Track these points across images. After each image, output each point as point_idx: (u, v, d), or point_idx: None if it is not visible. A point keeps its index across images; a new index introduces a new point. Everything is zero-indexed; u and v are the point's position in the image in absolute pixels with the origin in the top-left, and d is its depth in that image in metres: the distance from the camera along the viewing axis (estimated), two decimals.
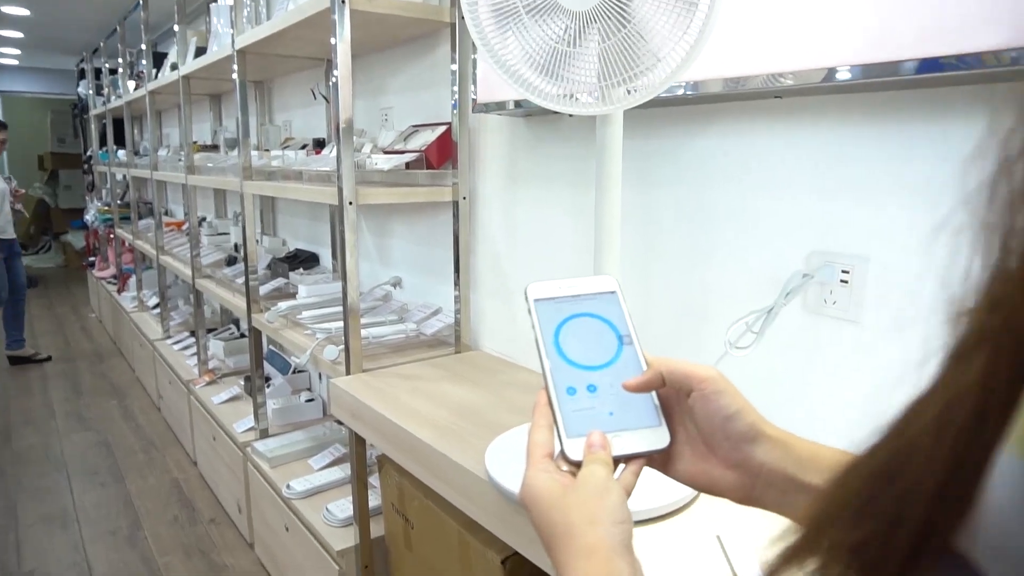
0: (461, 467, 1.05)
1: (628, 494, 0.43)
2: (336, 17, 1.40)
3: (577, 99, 0.92)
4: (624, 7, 0.85)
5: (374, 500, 1.59)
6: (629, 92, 0.91)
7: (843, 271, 0.93)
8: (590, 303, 0.53)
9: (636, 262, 1.23)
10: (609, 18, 0.86)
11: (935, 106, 0.83)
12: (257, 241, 2.30)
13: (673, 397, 0.49)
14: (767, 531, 0.82)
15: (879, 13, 0.80)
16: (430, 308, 1.75)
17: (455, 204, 1.61)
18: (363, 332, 1.55)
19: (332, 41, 1.42)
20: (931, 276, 0.85)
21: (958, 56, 0.73)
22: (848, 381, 0.95)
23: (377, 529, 1.55)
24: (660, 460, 0.49)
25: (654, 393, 0.49)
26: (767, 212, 1.02)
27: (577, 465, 0.46)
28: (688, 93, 1.02)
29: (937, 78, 0.80)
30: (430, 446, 1.12)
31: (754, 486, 0.45)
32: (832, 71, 0.85)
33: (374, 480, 1.70)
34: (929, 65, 0.76)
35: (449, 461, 1.07)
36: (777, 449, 0.44)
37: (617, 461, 0.46)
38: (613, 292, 0.54)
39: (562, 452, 0.46)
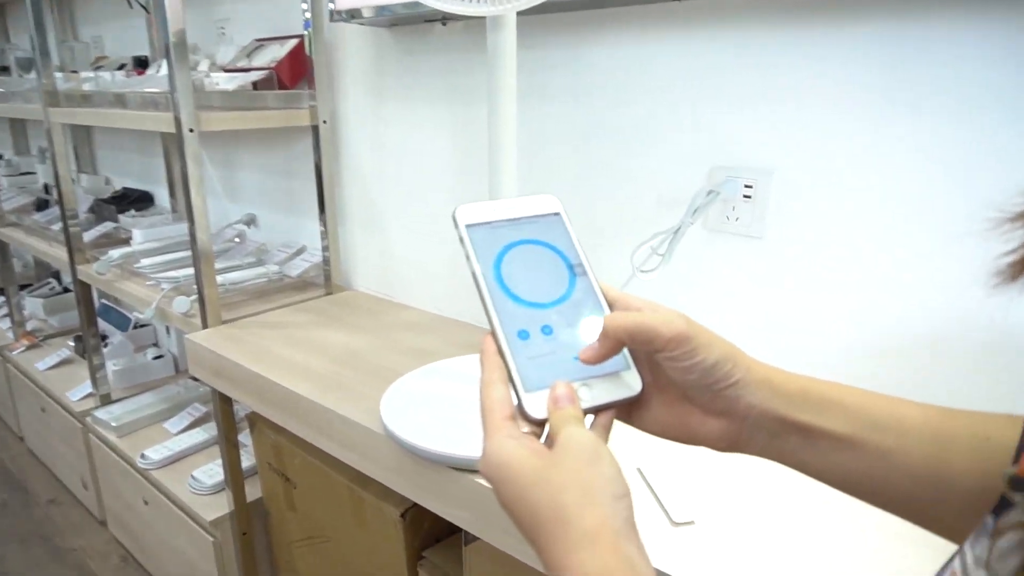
0: (350, 421, 0.94)
1: None
2: None
3: None
4: None
5: (247, 460, 1.45)
6: None
7: (746, 185, 0.91)
8: (532, 228, 0.44)
9: (531, 182, 1.14)
10: None
11: (832, 7, 0.80)
12: (73, 180, 1.96)
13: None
14: (686, 462, 0.79)
15: None
16: (293, 247, 1.57)
17: (314, 128, 1.43)
18: (218, 278, 1.36)
19: None
20: (832, 187, 0.84)
21: None
22: (751, 300, 0.94)
23: (253, 492, 1.41)
24: (625, 410, 0.42)
25: None
26: (667, 126, 0.97)
27: (540, 424, 0.38)
28: None
29: None
30: (311, 400, 1.00)
31: (740, 431, 0.39)
32: None
33: (244, 438, 1.55)
34: None
35: (335, 415, 0.96)
36: (763, 389, 0.39)
37: (585, 414, 0.38)
38: (557, 214, 0.45)
39: (520, 409, 0.38)
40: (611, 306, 0.43)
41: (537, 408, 0.38)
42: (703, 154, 0.94)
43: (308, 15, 1.37)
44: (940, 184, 0.76)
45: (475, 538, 0.85)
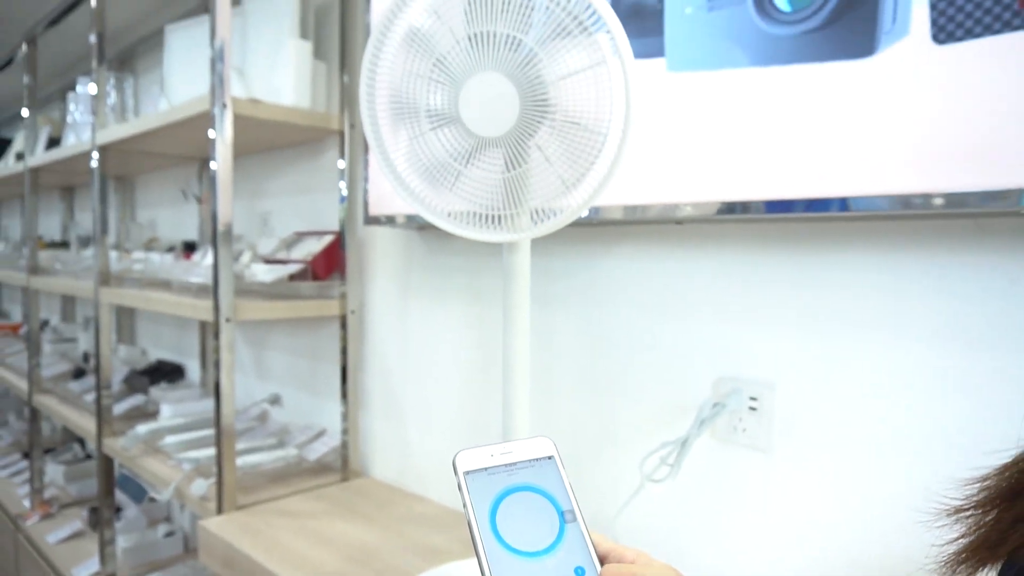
0: None
1: None
2: (217, 121, 1.31)
3: (479, 217, 0.89)
4: (532, 137, 0.84)
5: None
6: (535, 220, 0.89)
7: (751, 398, 0.93)
8: (527, 472, 0.48)
9: (541, 385, 1.18)
10: (517, 146, 0.84)
11: (831, 237, 0.87)
12: (112, 351, 2.06)
13: None
14: None
15: (775, 154, 0.83)
16: (313, 429, 1.61)
17: (343, 318, 1.51)
18: (238, 460, 1.39)
19: (212, 148, 1.32)
20: (835, 407, 0.86)
21: (843, 198, 0.77)
22: (761, 514, 0.93)
23: None
24: None
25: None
26: (673, 337, 1.02)
27: None
28: (590, 218, 1.02)
29: (827, 216, 0.84)
30: None
31: None
32: (728, 205, 0.88)
33: None
34: (818, 205, 0.79)
35: None
36: None
37: None
38: (551, 457, 0.49)
39: None
40: (604, 559, 0.45)
41: None
42: (709, 364, 0.98)
43: (344, 215, 1.50)
44: (944, 417, 0.78)
45: None
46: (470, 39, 0.80)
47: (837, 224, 0.86)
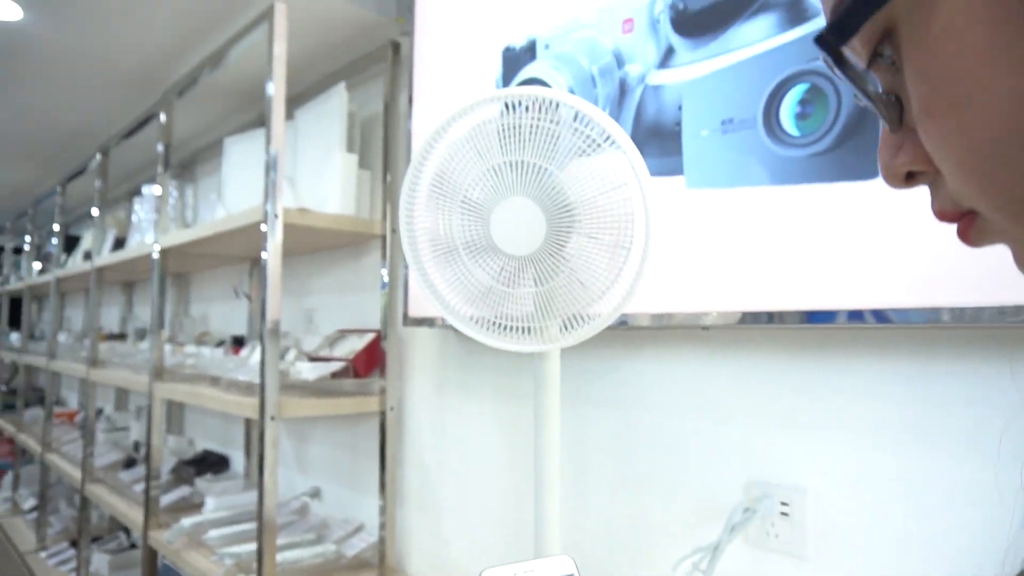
0: None
1: None
2: (268, 230, 1.42)
3: (512, 329, 0.94)
4: (560, 253, 0.89)
5: None
6: (564, 330, 0.93)
7: (782, 503, 0.94)
8: None
9: (574, 485, 1.20)
10: (545, 263, 0.90)
11: (859, 345, 0.89)
12: (162, 441, 2.13)
13: None
14: None
15: (790, 267, 0.87)
16: (352, 524, 1.63)
17: (382, 414, 1.56)
18: (278, 556, 1.41)
19: (263, 253, 1.42)
20: (867, 513, 0.86)
21: (872, 310, 0.80)
22: None
23: None
24: None
25: None
26: (703, 440, 1.03)
27: None
28: (618, 324, 1.06)
29: (849, 328, 0.86)
30: None
31: None
32: (748, 315, 0.91)
33: None
34: (834, 316, 0.82)
35: None
36: None
37: None
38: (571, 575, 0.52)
39: None
40: None
41: None
42: (739, 468, 0.99)
43: (385, 314, 1.57)
44: (978, 526, 0.78)
45: None
46: (498, 168, 0.88)
47: (853, 333, 0.88)
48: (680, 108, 0.99)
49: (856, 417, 0.88)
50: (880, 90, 0.28)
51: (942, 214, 0.28)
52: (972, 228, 0.27)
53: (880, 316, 0.78)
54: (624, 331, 1.14)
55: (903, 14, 0.25)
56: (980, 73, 0.23)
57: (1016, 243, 0.26)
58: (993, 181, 0.24)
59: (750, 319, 0.91)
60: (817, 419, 0.91)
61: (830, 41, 0.26)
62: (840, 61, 0.26)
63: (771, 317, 0.89)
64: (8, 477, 3.75)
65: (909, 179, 0.29)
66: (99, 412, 3.20)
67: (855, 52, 0.27)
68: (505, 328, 0.93)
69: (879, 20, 0.25)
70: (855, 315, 0.80)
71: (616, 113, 1.07)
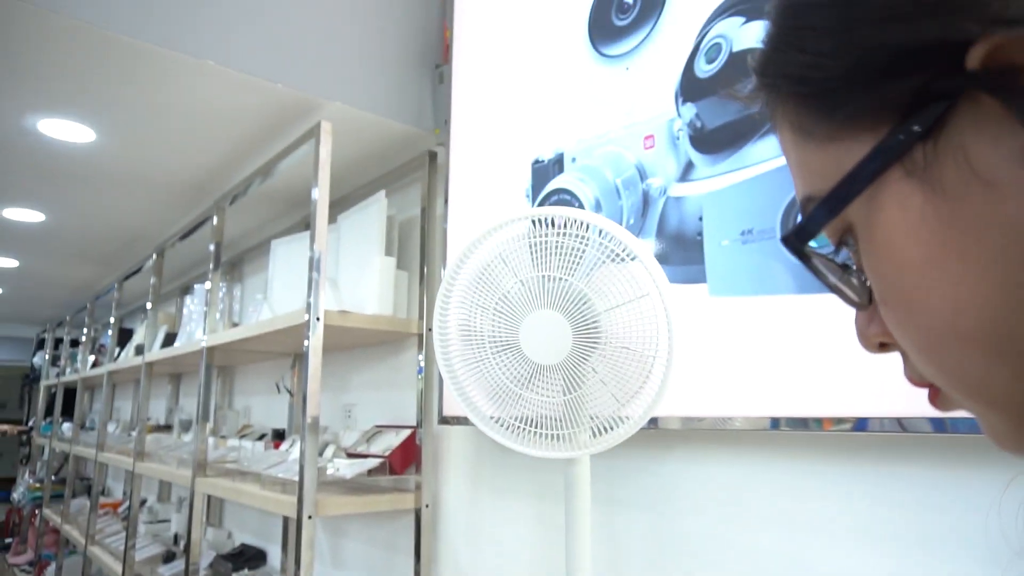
0: None
1: None
2: (310, 330, 1.48)
3: (542, 435, 0.96)
4: (586, 362, 0.92)
5: None
6: (594, 436, 0.95)
7: None
8: None
9: None
10: (573, 371, 0.93)
11: (890, 451, 0.89)
12: (201, 534, 2.15)
13: None
14: None
15: (813, 373, 0.89)
16: None
17: (417, 512, 1.57)
18: None
19: (304, 346, 1.48)
20: None
21: (888, 419, 0.81)
22: None
23: None
24: None
25: None
26: (735, 542, 1.02)
27: None
28: (648, 426, 1.07)
29: (878, 436, 0.87)
30: None
31: None
32: (775, 420, 0.92)
33: None
34: (862, 424, 0.83)
35: None
36: None
37: None
38: None
39: None
40: None
41: None
42: (774, 572, 0.97)
43: (421, 412, 1.60)
44: None
45: None
46: (527, 281, 0.93)
47: (894, 438, 0.88)
48: (701, 219, 1.04)
49: (893, 525, 0.87)
50: (852, 267, 0.32)
51: (912, 381, 0.31)
52: (938, 398, 0.30)
53: (900, 424, 0.79)
54: (654, 432, 1.15)
55: (858, 219, 0.29)
56: (919, 283, 0.26)
57: (975, 414, 0.29)
58: (942, 369, 0.27)
59: (779, 424, 0.92)
60: (851, 528, 0.90)
61: (793, 243, 0.30)
62: (804, 258, 0.30)
63: (798, 423, 0.90)
64: (51, 569, 3.78)
65: (882, 347, 0.32)
66: (143, 503, 3.24)
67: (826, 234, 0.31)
68: (536, 434, 0.95)
69: (838, 222, 0.29)
70: (900, 423, 0.81)
71: (640, 223, 1.12)
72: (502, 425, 0.98)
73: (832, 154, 0.29)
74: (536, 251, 0.93)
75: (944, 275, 0.26)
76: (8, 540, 4.94)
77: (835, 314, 0.87)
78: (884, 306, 0.29)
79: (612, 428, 0.94)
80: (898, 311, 0.28)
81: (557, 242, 0.91)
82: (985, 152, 0.24)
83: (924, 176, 0.26)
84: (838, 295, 0.31)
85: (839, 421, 0.86)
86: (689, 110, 1.07)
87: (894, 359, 0.31)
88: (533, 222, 0.94)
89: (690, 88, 1.07)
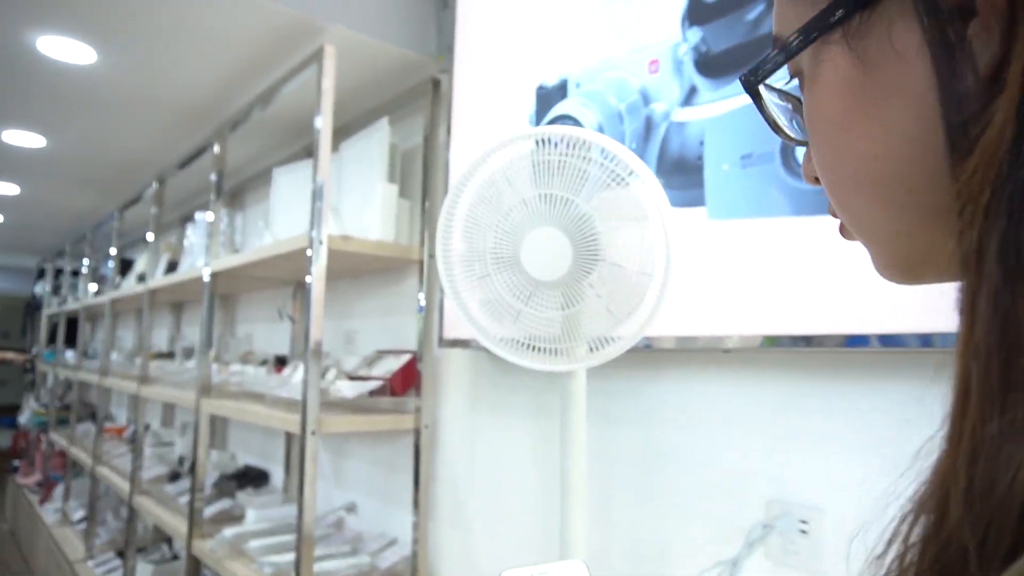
0: None
1: None
2: (313, 255, 1.50)
3: (540, 350, 0.99)
4: (585, 279, 0.95)
5: None
6: (590, 351, 0.99)
7: (801, 521, 0.97)
8: None
9: (599, 498, 1.24)
10: (571, 288, 0.96)
11: (873, 368, 0.93)
12: (206, 455, 2.23)
13: None
14: None
15: (808, 292, 0.92)
16: (386, 538, 1.69)
17: (416, 432, 1.62)
18: (315, 567, 1.48)
19: (307, 277, 1.51)
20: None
21: (878, 335, 0.84)
22: None
23: None
24: None
25: None
26: (723, 458, 1.07)
27: None
28: (643, 347, 1.11)
29: (863, 352, 0.90)
30: None
31: None
32: (768, 337, 0.96)
33: None
34: (854, 340, 0.86)
35: None
36: None
37: None
38: None
39: None
40: None
41: None
42: (761, 486, 1.03)
43: (421, 336, 1.64)
44: None
45: None
46: (529, 200, 0.94)
47: (876, 357, 0.92)
48: (702, 143, 1.05)
49: (873, 439, 0.91)
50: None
51: (830, 211, 0.36)
52: (844, 229, 0.36)
53: (888, 341, 0.82)
54: (648, 353, 1.19)
55: (807, 69, 0.33)
56: (837, 136, 0.31)
57: (864, 245, 0.34)
58: (844, 207, 0.33)
59: (771, 342, 0.95)
60: (836, 439, 0.95)
61: (749, 80, 0.34)
62: (756, 97, 0.35)
63: (792, 340, 0.93)
64: (59, 489, 3.91)
65: (816, 181, 0.36)
66: (147, 427, 3.33)
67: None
68: (534, 349, 0.99)
69: (793, 67, 0.34)
70: (888, 340, 0.85)
71: (642, 148, 1.13)
72: (503, 340, 1.02)
73: (801, 7, 0.32)
74: (539, 170, 0.94)
75: (855, 132, 0.30)
76: (16, 463, 5.08)
77: (829, 235, 0.89)
78: (812, 147, 0.34)
79: (609, 344, 0.97)
80: (819, 156, 0.33)
81: (560, 160, 0.92)
82: (906, 28, 0.27)
83: (854, 43, 0.29)
84: (780, 135, 0.35)
85: (829, 338, 0.89)
86: (695, 33, 1.07)
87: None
88: (537, 142, 0.96)
89: (697, 11, 1.07)
